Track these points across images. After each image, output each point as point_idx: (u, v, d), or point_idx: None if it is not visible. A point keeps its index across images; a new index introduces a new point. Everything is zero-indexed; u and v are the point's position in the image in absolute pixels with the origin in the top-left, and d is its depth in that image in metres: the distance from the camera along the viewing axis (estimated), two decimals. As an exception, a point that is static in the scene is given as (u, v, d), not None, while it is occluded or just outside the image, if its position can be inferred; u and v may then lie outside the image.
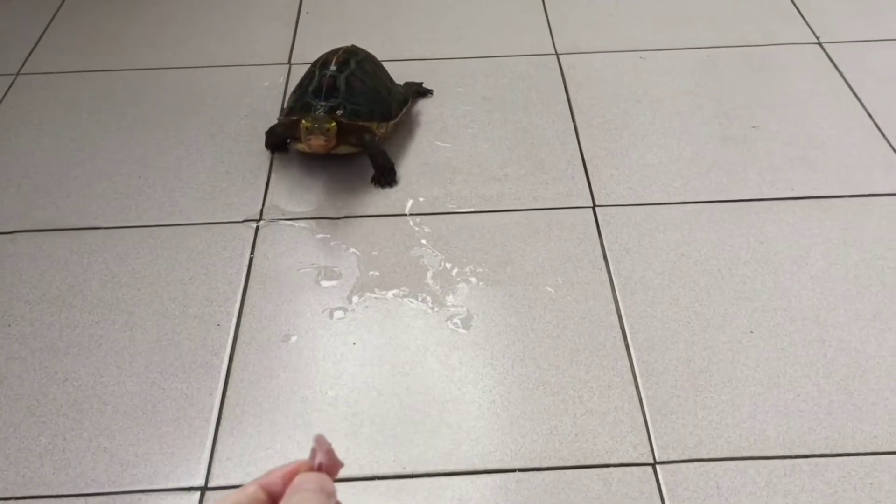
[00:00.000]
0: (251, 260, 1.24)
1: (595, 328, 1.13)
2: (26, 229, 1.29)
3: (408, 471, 0.96)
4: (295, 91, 1.40)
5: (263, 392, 1.05)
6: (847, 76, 1.58)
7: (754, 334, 1.12)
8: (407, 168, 1.40)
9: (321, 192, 1.35)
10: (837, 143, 1.43)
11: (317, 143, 1.29)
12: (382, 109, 1.37)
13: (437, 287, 1.19)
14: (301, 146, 1.35)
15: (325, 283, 1.20)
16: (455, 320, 1.14)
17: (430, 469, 0.97)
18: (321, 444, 0.45)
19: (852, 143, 1.42)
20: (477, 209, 1.32)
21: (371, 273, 1.22)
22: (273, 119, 1.45)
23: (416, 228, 1.28)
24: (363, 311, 1.15)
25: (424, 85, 1.58)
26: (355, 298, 1.18)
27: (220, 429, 1.01)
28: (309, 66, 1.44)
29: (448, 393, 1.05)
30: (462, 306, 1.16)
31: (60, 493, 0.95)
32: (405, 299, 1.17)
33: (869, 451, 0.97)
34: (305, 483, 0.43)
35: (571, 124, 1.48)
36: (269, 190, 1.36)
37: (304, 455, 0.46)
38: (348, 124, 1.31)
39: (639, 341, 1.11)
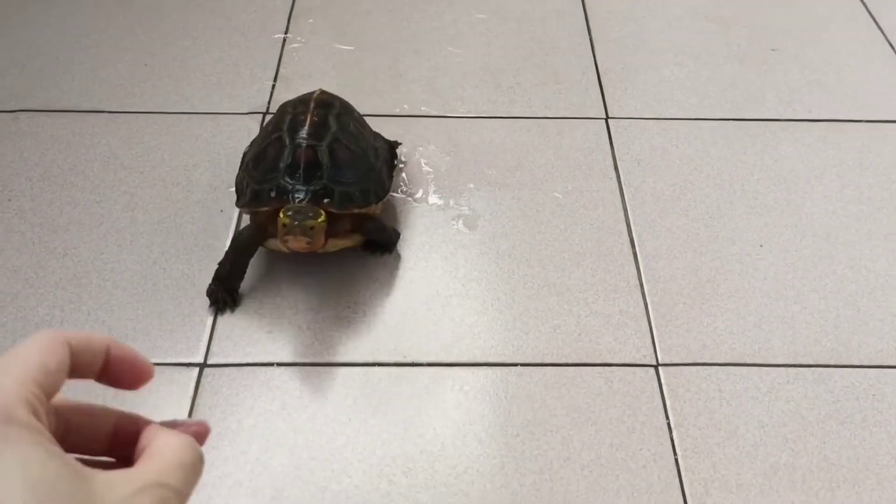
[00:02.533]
0: (257, 151, 1.21)
1: (603, 234, 1.11)
2: (29, 108, 1.26)
3: (408, 360, 0.95)
4: (255, 161, 1.01)
5: (264, 275, 1.03)
6: (867, 2, 1.54)
7: (764, 248, 1.10)
8: (417, 71, 1.37)
9: (332, 88, 1.31)
10: (856, 68, 1.40)
11: (297, 244, 0.91)
12: (377, 184, 1.03)
13: (444, 187, 1.17)
14: (275, 245, 0.97)
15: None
16: (461, 220, 1.12)
17: (431, 359, 0.96)
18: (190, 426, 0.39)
19: (871, 69, 1.40)
20: (487, 114, 1.29)
21: (378, 171, 1.19)
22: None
23: (424, 130, 1.26)
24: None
25: (411, 196, 1.20)
26: (361, 195, 1.15)
27: (218, 315, 0.99)
28: (272, 117, 1.08)
29: (451, 288, 1.04)
30: (468, 207, 1.14)
31: (57, 361, 0.92)
32: (410, 198, 1.15)
33: (874, 363, 0.96)
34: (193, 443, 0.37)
35: (587, 38, 1.45)
36: (277, 85, 1.33)
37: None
38: (340, 215, 0.97)
39: (647, 249, 1.09)
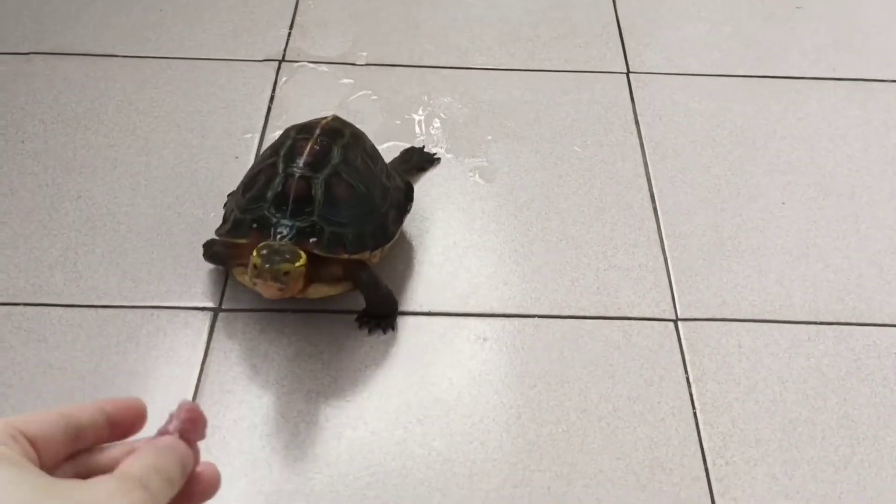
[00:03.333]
0: (272, 98, 1.20)
1: (622, 189, 1.10)
2: (42, 51, 1.25)
3: (424, 309, 0.94)
4: (245, 187, 0.91)
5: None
6: (899, -38, 1.51)
7: (786, 206, 1.08)
8: (435, 22, 1.34)
9: (347, 38, 1.29)
10: (882, 28, 1.37)
11: (267, 290, 0.80)
12: (377, 229, 0.90)
13: (461, 138, 1.15)
14: (246, 280, 0.85)
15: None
16: (478, 172, 1.10)
17: (448, 309, 0.95)
18: (181, 411, 0.40)
19: (899, 29, 1.37)
20: (506, 67, 1.27)
21: (395, 122, 1.18)
22: None
23: (442, 82, 1.23)
24: (385, 157, 1.11)
25: (428, 148, 1.16)
26: (378, 146, 1.14)
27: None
28: (275, 140, 0.97)
29: (468, 239, 1.02)
30: (485, 159, 1.12)
31: (71, 302, 0.92)
32: (427, 148, 1.13)
33: (896, 322, 0.95)
34: (169, 448, 0.38)
35: (609, -9, 1.41)
36: (293, 33, 1.31)
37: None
38: (328, 258, 0.86)
39: (667, 205, 1.08)
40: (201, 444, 0.40)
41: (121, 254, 0.98)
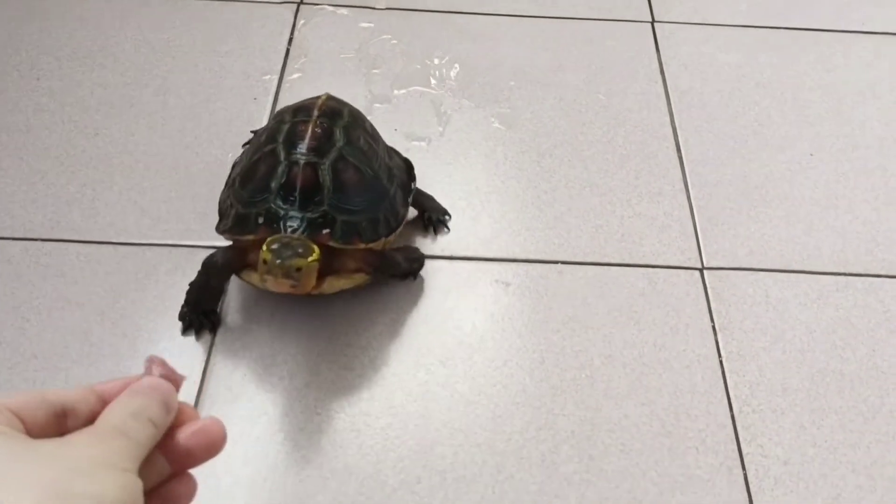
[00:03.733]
0: (290, 40, 1.18)
1: (647, 137, 1.08)
2: (56, -12, 1.21)
3: (447, 253, 0.92)
4: (243, 179, 0.83)
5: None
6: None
7: (814, 157, 1.06)
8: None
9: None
10: (915, -19, 1.34)
11: (279, 287, 0.74)
12: (389, 213, 0.84)
13: (484, 84, 1.13)
14: (254, 279, 0.80)
15: (366, 71, 1.13)
16: (499, 118, 1.09)
17: (470, 254, 0.93)
18: (154, 360, 0.39)
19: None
20: (529, 13, 1.24)
21: (414, 66, 1.16)
22: None
23: (463, 27, 1.21)
24: (405, 103, 1.10)
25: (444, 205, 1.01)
26: (397, 91, 1.12)
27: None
28: (267, 124, 0.91)
29: (490, 185, 1.01)
30: (508, 105, 1.10)
31: (90, 238, 0.91)
32: (448, 95, 1.11)
33: (926, 275, 0.93)
34: (148, 388, 0.37)
35: (635, -61, 1.38)
36: (312, -25, 1.28)
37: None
38: (343, 249, 0.79)
39: (693, 154, 1.06)
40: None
41: (139, 192, 0.96)
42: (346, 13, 1.23)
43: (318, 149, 0.79)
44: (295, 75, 1.12)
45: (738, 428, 0.80)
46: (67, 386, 0.71)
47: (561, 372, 0.83)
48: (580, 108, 1.11)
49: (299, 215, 0.76)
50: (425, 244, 0.94)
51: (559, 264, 0.93)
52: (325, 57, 1.16)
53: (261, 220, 0.77)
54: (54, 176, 0.97)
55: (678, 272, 0.93)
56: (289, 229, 0.75)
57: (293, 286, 0.73)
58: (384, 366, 0.83)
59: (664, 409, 0.81)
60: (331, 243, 0.76)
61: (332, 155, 0.80)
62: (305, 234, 0.75)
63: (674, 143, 1.07)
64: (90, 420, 0.36)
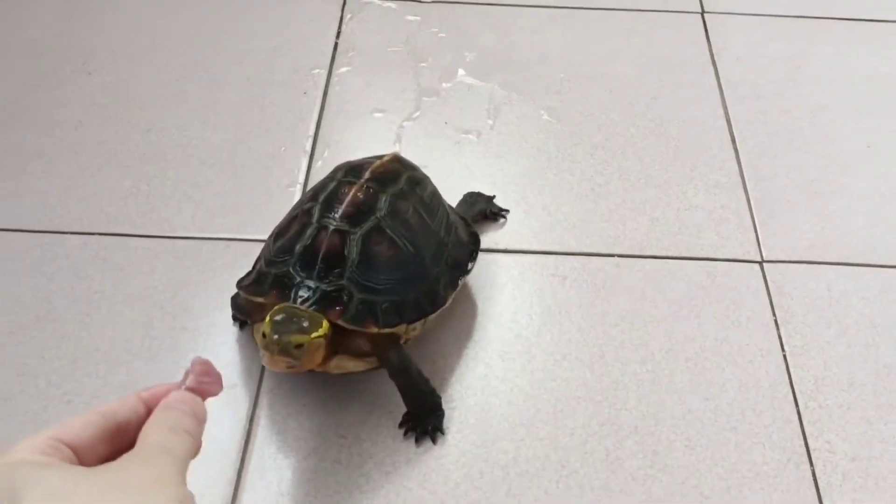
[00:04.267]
0: (338, 34, 1.17)
1: (701, 129, 1.06)
2: (105, -15, 1.22)
3: (501, 246, 0.92)
4: (277, 235, 0.78)
5: (352, 157, 0.99)
6: None
7: (871, 149, 1.05)
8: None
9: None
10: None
11: (275, 364, 0.66)
12: (423, 295, 0.76)
13: (532, 78, 1.12)
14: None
15: (414, 64, 1.13)
16: (550, 111, 1.07)
17: (525, 247, 0.92)
18: (196, 362, 0.43)
19: None
20: (578, 5, 1.23)
21: (462, 59, 1.15)
22: None
23: (511, 20, 1.20)
24: (453, 96, 1.10)
25: (497, 200, 0.99)
26: (445, 84, 1.11)
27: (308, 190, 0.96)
28: (323, 178, 0.82)
29: (543, 177, 1.00)
30: (558, 98, 1.09)
31: (146, 233, 0.91)
32: (497, 87, 1.10)
33: None
34: (177, 402, 0.41)
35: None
36: (358, -31, 1.27)
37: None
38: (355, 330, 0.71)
39: (748, 146, 1.04)
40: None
41: (193, 186, 0.96)
42: (392, 6, 1.22)
43: (354, 216, 0.72)
44: (343, 69, 1.12)
45: (805, 423, 0.79)
46: (129, 379, 0.72)
47: (622, 366, 0.82)
48: (631, 99, 1.10)
49: (314, 285, 0.69)
50: (483, 237, 0.92)
51: (616, 257, 0.92)
52: (373, 50, 1.15)
53: (272, 285, 0.71)
54: (109, 171, 0.97)
55: (738, 265, 0.91)
56: (299, 299, 0.69)
57: (290, 366, 0.65)
58: (441, 359, 0.82)
59: (728, 403, 0.80)
60: (340, 322, 0.69)
61: (368, 224, 0.72)
62: (314, 307, 0.68)
63: (728, 134, 1.06)
64: (139, 429, 0.39)
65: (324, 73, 1.11)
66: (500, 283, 0.89)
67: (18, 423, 0.76)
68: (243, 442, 0.76)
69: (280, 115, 1.05)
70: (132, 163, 0.98)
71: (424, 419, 0.76)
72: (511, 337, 0.84)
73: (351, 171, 0.77)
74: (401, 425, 0.77)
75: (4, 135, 1.01)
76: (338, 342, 0.70)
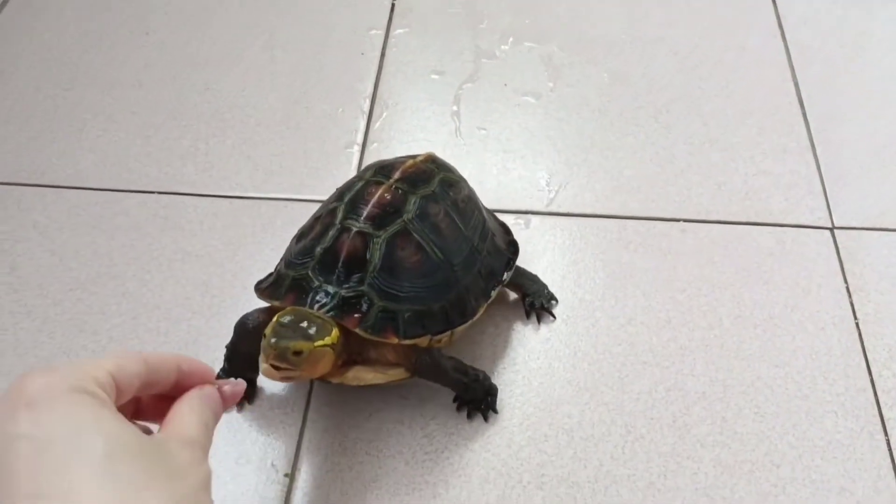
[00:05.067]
0: (395, -5, 1.15)
1: (768, 93, 1.03)
2: (161, -55, 1.20)
3: (563, 210, 0.89)
4: (300, 235, 0.73)
5: (410, 119, 0.98)
6: None
7: (946, 114, 1.00)
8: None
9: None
10: None
11: (270, 373, 0.60)
12: (452, 305, 0.70)
13: (592, 40, 1.10)
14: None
15: (473, 26, 1.11)
16: (611, 73, 1.05)
17: (588, 211, 0.90)
18: (236, 386, 0.49)
19: None
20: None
21: (522, 20, 1.12)
22: None
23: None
24: (513, 58, 1.08)
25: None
26: (504, 46, 1.09)
27: (366, 151, 0.94)
28: (353, 177, 0.77)
29: (605, 140, 0.97)
30: (619, 60, 1.06)
31: (204, 192, 0.90)
32: (557, 49, 1.08)
33: None
34: (209, 398, 0.45)
35: None
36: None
37: None
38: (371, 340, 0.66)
39: (817, 111, 1.01)
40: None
41: (251, 146, 0.95)
42: (449, -32, 1.20)
43: (380, 218, 0.67)
44: (400, 30, 1.10)
45: (878, 392, 0.76)
46: (189, 337, 0.71)
47: (689, 332, 0.80)
48: (695, 63, 1.07)
49: (332, 290, 0.65)
50: (538, 198, 0.90)
51: (681, 222, 0.89)
52: (431, 11, 1.13)
53: (290, 288, 0.66)
54: (167, 130, 0.96)
55: (808, 231, 0.89)
56: (316, 304, 0.64)
57: (287, 376, 0.60)
58: (504, 321, 0.81)
59: (799, 371, 0.77)
60: (358, 331, 0.64)
61: (394, 228, 0.67)
62: (332, 314, 0.63)
63: (796, 98, 1.02)
64: (163, 391, 0.44)
65: (381, 33, 1.10)
66: (562, 246, 0.87)
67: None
68: (305, 402, 0.75)
69: (337, 75, 1.04)
70: (190, 122, 0.97)
71: (477, 401, 0.74)
72: (575, 300, 0.83)
73: (380, 170, 0.72)
74: (454, 400, 0.75)
75: (65, 94, 1.00)
76: (356, 352, 0.66)
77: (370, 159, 0.93)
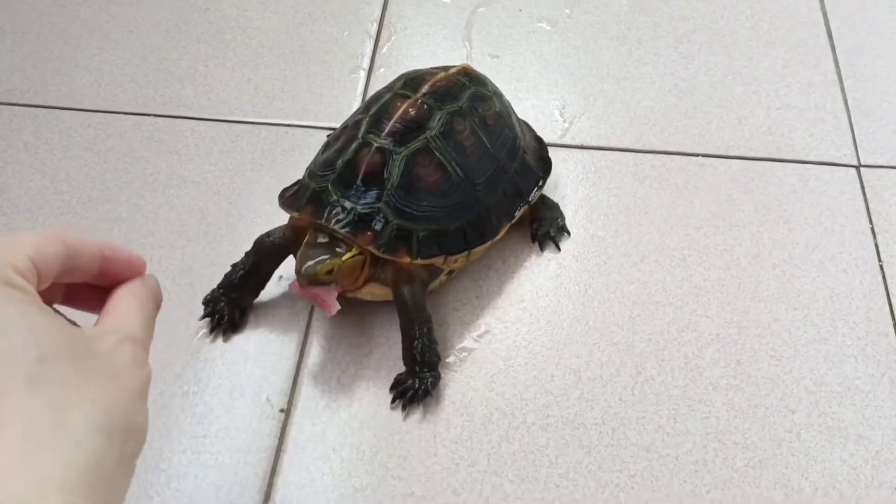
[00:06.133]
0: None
1: (796, 24, 0.98)
2: None
3: (577, 142, 0.85)
4: (325, 145, 0.73)
5: (419, 44, 0.94)
6: None
7: (983, 50, 0.95)
8: None
9: None
10: None
11: (300, 289, 0.64)
12: (471, 226, 0.70)
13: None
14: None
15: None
16: (630, 1, 0.99)
17: (603, 143, 0.86)
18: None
19: None
20: None
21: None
22: None
23: None
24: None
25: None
26: None
27: (372, 77, 0.90)
28: (387, 84, 0.75)
29: (623, 70, 0.93)
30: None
31: (203, 116, 0.87)
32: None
33: None
34: (153, 291, 0.41)
35: None
36: None
37: None
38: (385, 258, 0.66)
39: (846, 44, 0.96)
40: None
41: (252, 69, 0.91)
42: None
43: (402, 134, 0.66)
44: (411, -48, 1.05)
45: (902, 338, 0.72)
46: (184, 265, 0.68)
47: (704, 271, 0.76)
48: (720, -10, 1.01)
49: (349, 206, 0.64)
50: (551, 130, 0.86)
51: (700, 157, 0.85)
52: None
53: (309, 200, 0.66)
54: (165, 51, 0.92)
55: (832, 169, 0.84)
56: (333, 219, 0.64)
57: (312, 290, 0.63)
58: (512, 256, 0.77)
59: (819, 314, 0.74)
60: (370, 248, 0.64)
61: (416, 145, 0.66)
62: (347, 229, 0.63)
63: (825, 30, 0.97)
64: (86, 279, 0.39)
65: (390, -45, 1.04)
66: (575, 180, 0.83)
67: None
68: (303, 336, 0.72)
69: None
70: (189, 43, 0.93)
71: (416, 376, 0.68)
72: (587, 236, 0.79)
73: (410, 82, 0.70)
74: (391, 389, 0.69)
75: (60, 11, 0.96)
76: (380, 267, 0.67)
77: (376, 85, 0.89)
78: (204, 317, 0.72)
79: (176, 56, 0.92)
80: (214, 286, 0.71)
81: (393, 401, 0.69)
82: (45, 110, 0.87)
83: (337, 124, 0.81)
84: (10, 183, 0.81)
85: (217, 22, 0.96)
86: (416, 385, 0.67)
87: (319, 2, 0.99)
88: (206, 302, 0.72)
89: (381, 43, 0.95)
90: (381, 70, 0.92)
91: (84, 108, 0.87)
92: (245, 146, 0.84)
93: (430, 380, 0.67)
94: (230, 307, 0.71)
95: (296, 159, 0.83)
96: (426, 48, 0.94)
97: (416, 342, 0.66)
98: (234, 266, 0.71)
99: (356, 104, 0.89)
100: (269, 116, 0.87)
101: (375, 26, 0.96)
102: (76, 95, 0.88)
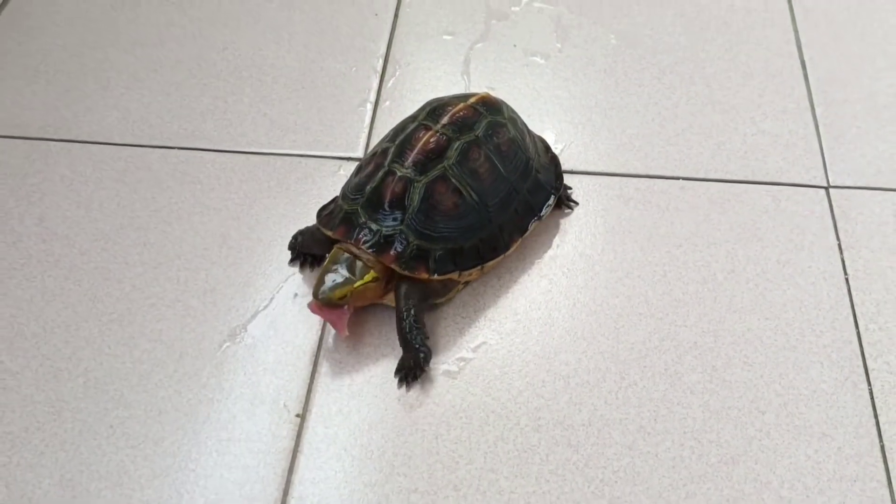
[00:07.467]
0: (409, -44, 1.17)
1: (771, 55, 1.06)
2: None
3: (567, 166, 0.93)
4: (358, 168, 0.83)
5: (422, 78, 1.02)
6: None
7: (947, 76, 1.02)
8: None
9: None
10: None
11: (316, 308, 0.76)
12: (483, 243, 0.80)
13: (600, 2, 1.13)
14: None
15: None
16: (618, 35, 1.08)
17: (591, 168, 0.94)
18: None
19: None
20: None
21: (533, -18, 1.14)
22: None
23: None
24: (523, 19, 1.11)
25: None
26: (514, 7, 1.12)
27: (379, 109, 0.98)
28: (414, 112, 0.86)
29: (610, 101, 1.01)
30: (627, 21, 1.09)
31: (222, 148, 0.94)
32: (566, 10, 1.11)
33: None
34: None
35: None
36: None
37: None
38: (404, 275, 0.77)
39: (819, 72, 1.03)
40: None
41: (268, 104, 0.99)
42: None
43: (423, 164, 0.77)
44: (414, -9, 1.13)
45: (864, 344, 0.80)
46: (208, 286, 0.76)
47: (683, 286, 0.84)
48: (701, 25, 1.10)
49: (375, 228, 0.76)
50: (551, 156, 0.93)
51: (681, 180, 0.93)
52: (444, -27, 1.16)
53: (341, 221, 0.77)
54: (188, 88, 1.00)
55: (803, 190, 0.92)
56: (361, 240, 0.75)
57: (329, 311, 0.75)
58: (507, 273, 0.85)
59: (788, 323, 0.81)
60: (394, 266, 0.75)
61: (434, 173, 0.77)
62: (372, 249, 0.75)
63: (799, 60, 1.05)
64: None
65: (394, -5, 1.12)
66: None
67: (104, 323, 0.80)
68: (316, 347, 0.79)
69: (352, 35, 1.07)
70: (209, 81, 1.01)
71: (410, 354, 0.77)
72: (575, 254, 0.86)
73: (433, 112, 0.80)
74: (395, 374, 0.79)
75: (90, 53, 1.04)
76: (399, 279, 0.76)
77: (382, 117, 0.97)
78: (293, 260, 0.86)
79: (197, 93, 1.00)
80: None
81: (398, 381, 0.78)
82: (78, 145, 0.95)
83: (347, 154, 0.89)
84: (48, 212, 0.89)
85: (235, 60, 1.04)
86: (412, 363, 0.76)
87: (329, 40, 1.07)
88: (291, 248, 0.85)
89: (386, 78, 1.03)
90: (387, 103, 1.00)
91: (114, 142, 0.95)
92: (262, 175, 0.92)
93: (422, 355, 0.76)
94: (309, 250, 0.84)
95: (308, 187, 0.91)
96: (428, 82, 1.02)
97: (403, 322, 0.76)
98: (300, 231, 0.84)
99: (364, 135, 0.96)
100: (284, 147, 0.95)
101: (381, 62, 1.04)
102: (106, 131, 0.96)
